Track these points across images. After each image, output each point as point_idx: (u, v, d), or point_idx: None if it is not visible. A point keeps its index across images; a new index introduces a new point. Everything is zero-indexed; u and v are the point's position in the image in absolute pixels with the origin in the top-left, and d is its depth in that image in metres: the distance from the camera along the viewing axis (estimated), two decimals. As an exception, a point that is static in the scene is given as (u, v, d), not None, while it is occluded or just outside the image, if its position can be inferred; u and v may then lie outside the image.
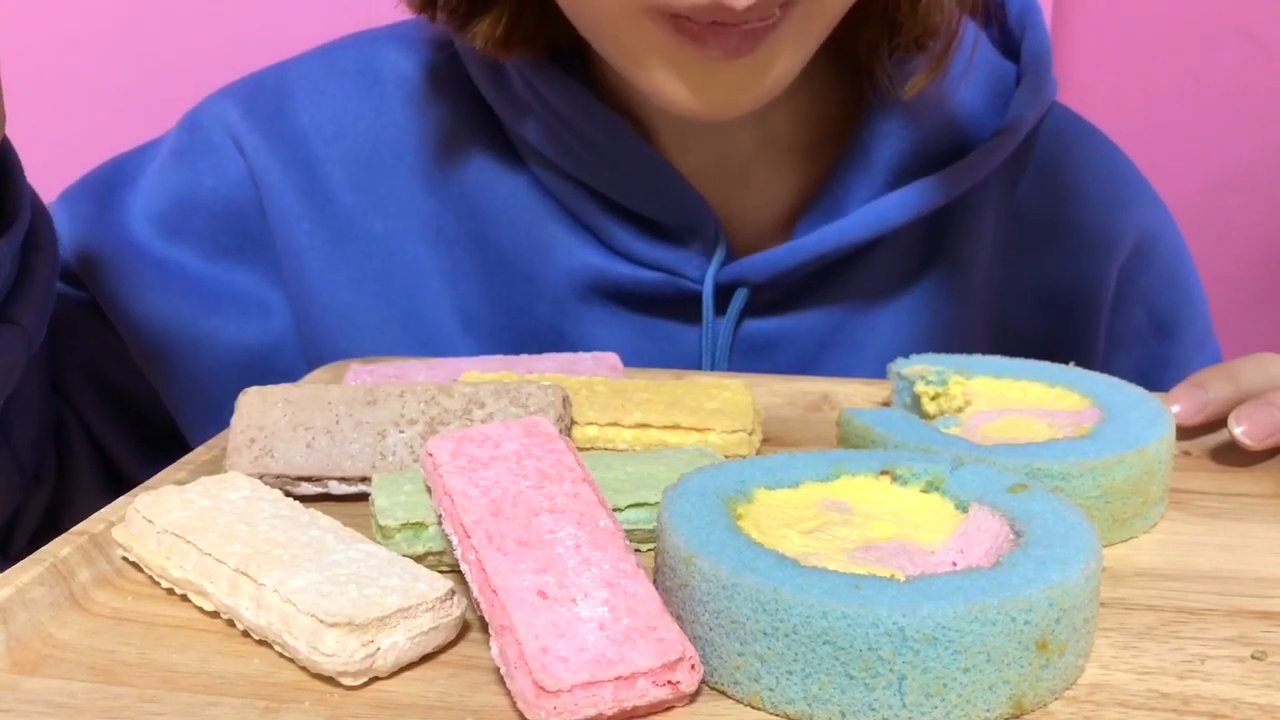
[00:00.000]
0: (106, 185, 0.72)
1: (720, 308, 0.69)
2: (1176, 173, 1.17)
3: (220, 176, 0.72)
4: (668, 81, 0.59)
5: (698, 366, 0.70)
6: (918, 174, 0.68)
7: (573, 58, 0.67)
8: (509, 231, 0.70)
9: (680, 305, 0.69)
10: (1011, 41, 0.72)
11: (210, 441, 0.55)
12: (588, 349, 0.70)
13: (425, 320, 0.71)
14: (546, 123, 0.67)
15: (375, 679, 0.37)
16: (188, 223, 0.71)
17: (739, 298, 0.68)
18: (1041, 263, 0.74)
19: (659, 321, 0.70)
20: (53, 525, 0.68)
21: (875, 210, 0.67)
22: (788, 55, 0.59)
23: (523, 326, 0.71)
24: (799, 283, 0.69)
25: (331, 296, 0.71)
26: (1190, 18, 1.21)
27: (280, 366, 0.72)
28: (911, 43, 0.65)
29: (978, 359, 0.57)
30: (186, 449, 0.73)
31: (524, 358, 0.63)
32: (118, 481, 0.72)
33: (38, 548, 0.64)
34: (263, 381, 0.71)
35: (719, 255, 0.68)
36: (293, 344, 0.72)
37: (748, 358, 0.70)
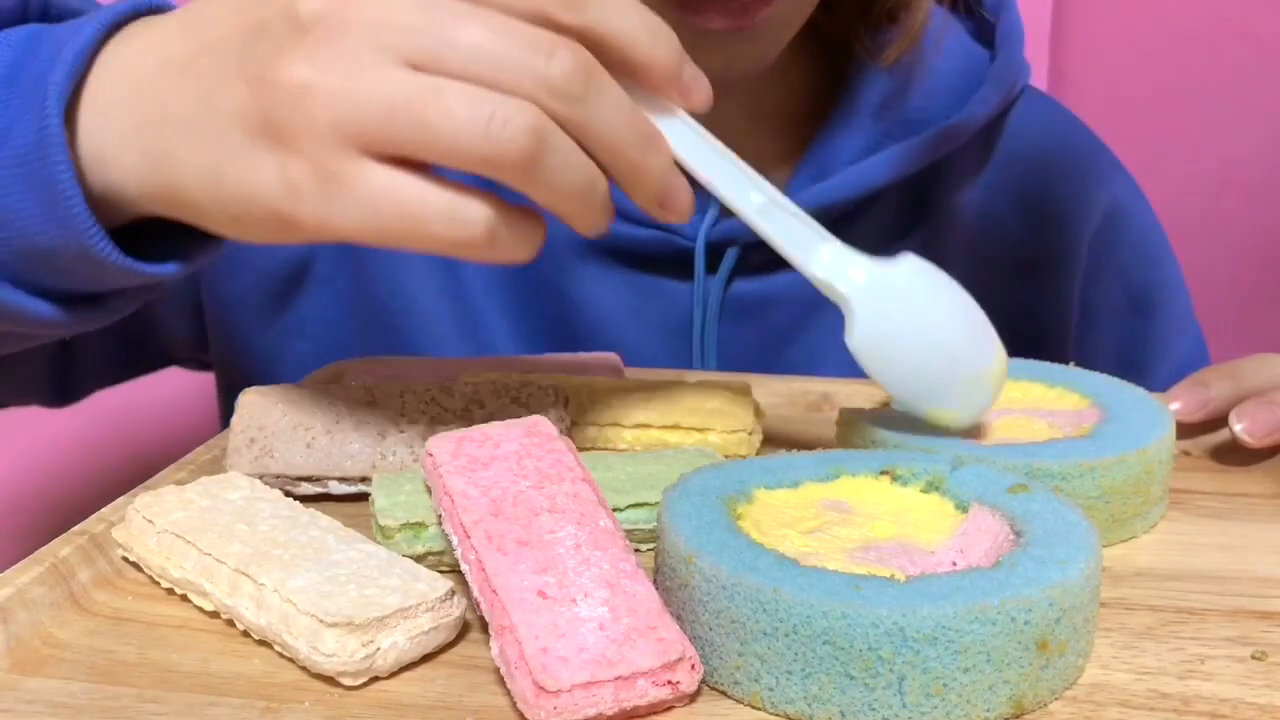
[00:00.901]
0: None
1: (712, 266, 0.71)
2: (1176, 172, 1.17)
3: None
4: None
5: (689, 324, 0.72)
6: (898, 141, 0.72)
7: None
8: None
9: (673, 263, 0.71)
10: (986, 30, 0.76)
11: (210, 441, 0.55)
12: (584, 306, 0.71)
13: (449, 261, 0.72)
14: None
15: (375, 679, 0.37)
16: None
17: (729, 256, 0.71)
18: (1013, 233, 0.76)
19: (653, 279, 0.72)
20: None
21: (860, 170, 0.70)
22: (780, 26, 0.62)
23: (528, 281, 0.73)
24: None
25: None
26: (1190, 18, 1.21)
27: (316, 274, 0.73)
28: (884, 14, 0.70)
29: None
30: (149, 337, 0.75)
31: (524, 358, 0.63)
32: (66, 353, 0.72)
33: None
34: (294, 288, 0.72)
35: (711, 213, 0.70)
36: (330, 252, 0.73)
37: (737, 317, 0.72)
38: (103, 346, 0.74)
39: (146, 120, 0.43)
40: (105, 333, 0.72)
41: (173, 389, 0.89)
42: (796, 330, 0.73)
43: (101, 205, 0.45)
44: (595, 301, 0.72)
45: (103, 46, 0.44)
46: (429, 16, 0.39)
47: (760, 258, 0.71)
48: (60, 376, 0.73)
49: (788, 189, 0.71)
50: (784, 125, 0.74)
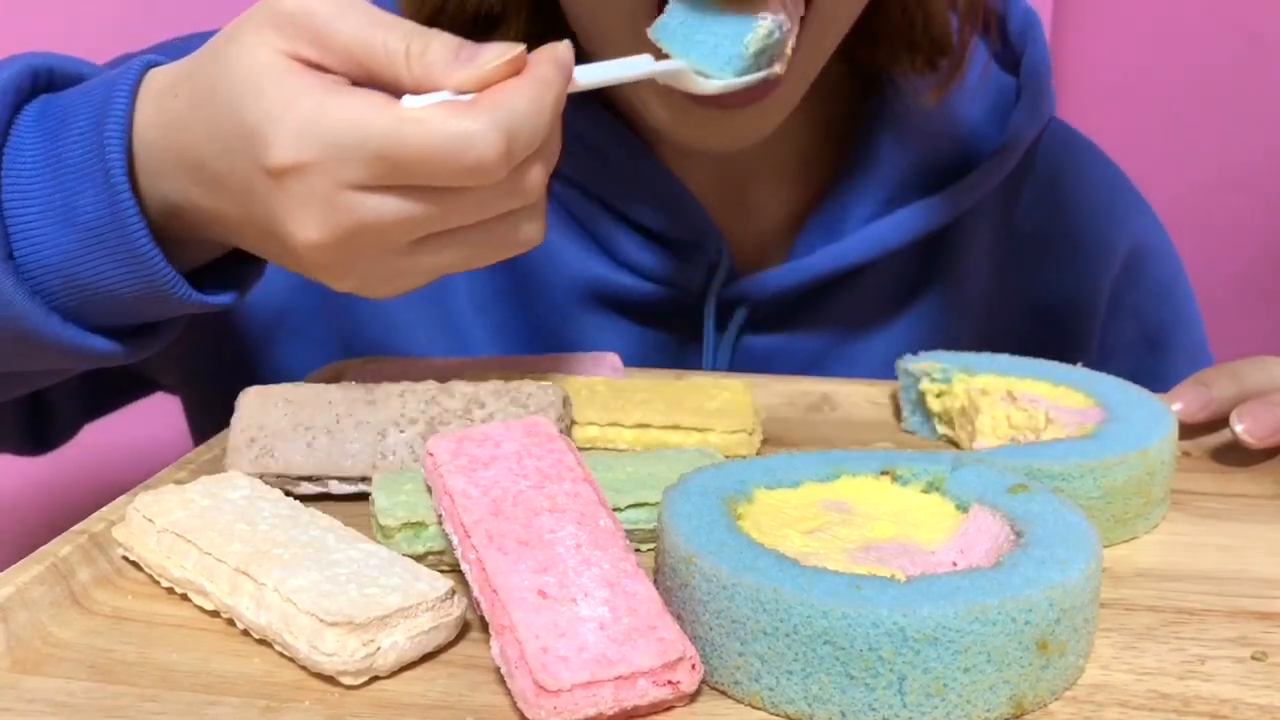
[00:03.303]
0: None
1: (720, 323, 0.70)
2: (1176, 173, 1.17)
3: None
4: (678, 128, 0.62)
5: None
6: (917, 189, 0.69)
7: None
8: None
9: (681, 319, 0.70)
10: (1011, 56, 0.73)
11: (210, 441, 0.55)
12: None
13: (447, 305, 0.71)
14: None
15: (375, 678, 0.37)
16: None
17: (739, 316, 0.69)
18: (1035, 276, 0.75)
19: (659, 334, 0.70)
20: None
21: (874, 232, 0.68)
22: (789, 96, 0.61)
23: (527, 325, 0.71)
24: (797, 301, 0.70)
25: None
26: (1190, 18, 1.21)
27: (291, 324, 0.73)
28: (925, 63, 0.68)
29: (985, 357, 0.57)
30: (122, 391, 0.75)
31: (524, 358, 0.63)
32: (36, 404, 0.72)
33: None
34: (274, 336, 0.71)
35: (721, 273, 0.68)
36: (308, 303, 0.72)
37: (744, 371, 0.70)
38: (71, 396, 0.73)
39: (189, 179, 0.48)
40: (77, 389, 0.72)
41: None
42: None
43: (166, 238, 0.49)
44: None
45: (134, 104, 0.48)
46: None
47: (769, 313, 0.70)
48: (33, 428, 0.73)
49: (798, 243, 0.70)
50: (799, 171, 0.71)
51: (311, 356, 0.72)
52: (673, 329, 0.70)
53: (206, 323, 0.71)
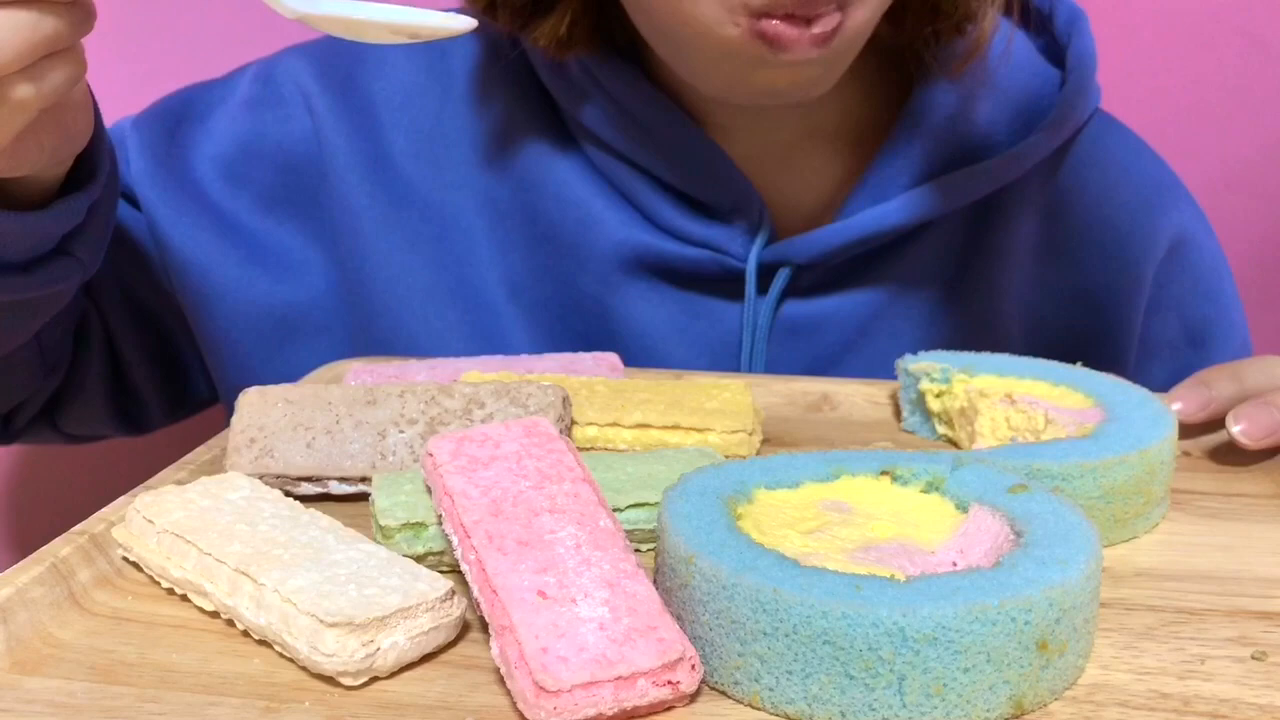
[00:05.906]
0: (178, 117, 0.75)
1: (762, 287, 0.70)
2: (1177, 172, 1.17)
3: (286, 131, 0.74)
4: (747, 80, 0.61)
5: (738, 344, 0.71)
6: (958, 169, 0.70)
7: (629, 49, 0.69)
8: (558, 205, 0.71)
9: (723, 283, 0.70)
10: (1058, 49, 0.74)
11: (210, 441, 0.55)
12: (630, 323, 0.71)
13: (473, 287, 0.72)
14: (603, 107, 0.69)
15: (375, 679, 0.37)
16: (248, 171, 0.73)
17: (781, 277, 0.70)
18: (1076, 263, 0.75)
19: (701, 298, 0.71)
20: (53, 412, 0.73)
21: (918, 196, 0.68)
22: (847, 47, 0.61)
23: (567, 298, 0.72)
24: (840, 267, 0.70)
25: (386, 259, 0.72)
26: (1190, 18, 1.22)
27: (313, 323, 0.74)
28: (952, 28, 0.68)
29: (984, 357, 0.57)
30: (193, 371, 0.78)
31: (524, 358, 0.63)
32: (123, 388, 0.76)
33: (36, 429, 0.67)
34: (289, 337, 0.73)
35: (763, 235, 0.69)
36: (328, 304, 0.74)
37: (786, 338, 0.71)
38: (151, 381, 0.77)
39: None
40: (151, 371, 0.76)
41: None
42: (845, 352, 0.72)
43: None
44: (641, 320, 0.71)
45: None
46: None
47: (812, 279, 0.70)
48: (120, 410, 0.76)
49: (846, 208, 0.70)
50: (843, 142, 0.72)
51: (334, 350, 0.73)
52: (716, 293, 0.71)
53: (228, 316, 0.72)
